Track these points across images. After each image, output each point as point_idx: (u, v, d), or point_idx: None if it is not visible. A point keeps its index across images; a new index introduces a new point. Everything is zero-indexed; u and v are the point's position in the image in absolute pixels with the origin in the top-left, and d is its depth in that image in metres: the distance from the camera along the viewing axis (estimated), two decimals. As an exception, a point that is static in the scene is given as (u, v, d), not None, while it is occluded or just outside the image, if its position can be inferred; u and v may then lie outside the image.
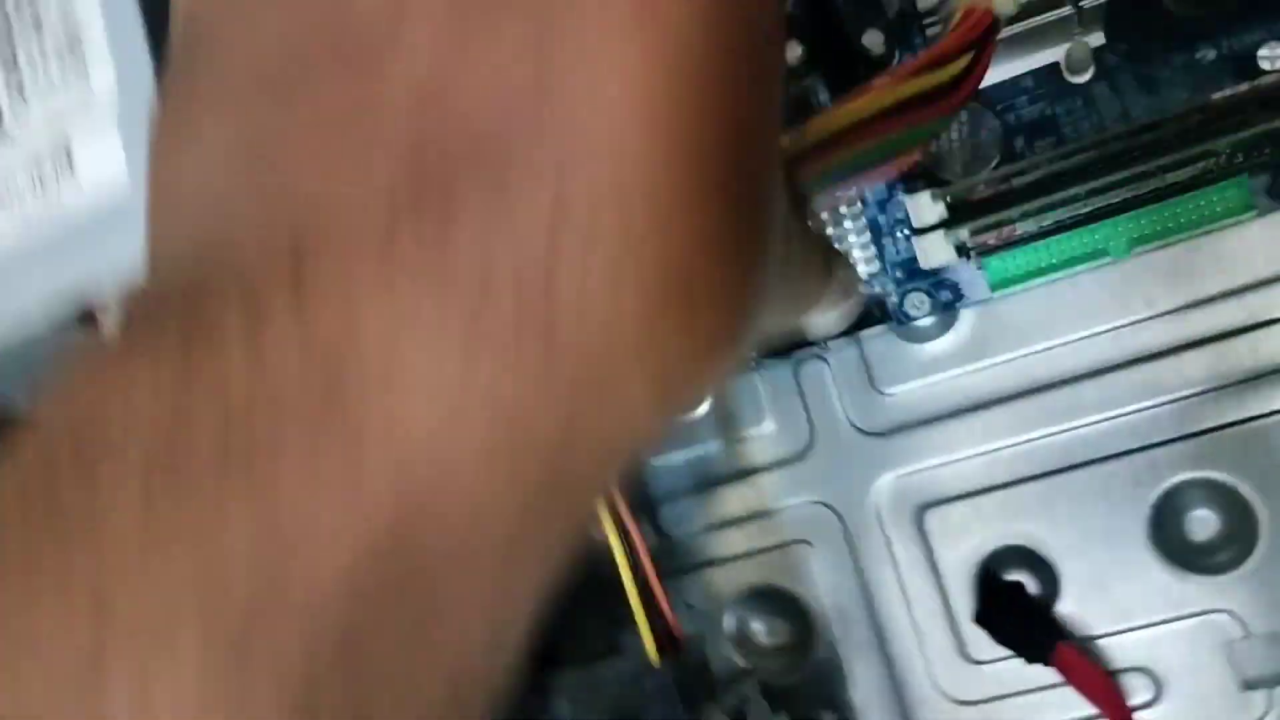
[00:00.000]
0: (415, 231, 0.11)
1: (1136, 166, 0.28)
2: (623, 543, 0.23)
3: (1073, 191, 0.28)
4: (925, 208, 0.30)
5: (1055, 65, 0.31)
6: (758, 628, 0.37)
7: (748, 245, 0.13)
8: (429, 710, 0.12)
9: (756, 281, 0.13)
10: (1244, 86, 0.27)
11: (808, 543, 0.36)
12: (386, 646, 0.11)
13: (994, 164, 0.30)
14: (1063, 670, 0.32)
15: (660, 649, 0.23)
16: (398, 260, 0.11)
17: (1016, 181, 0.29)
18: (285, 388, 0.11)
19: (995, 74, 0.32)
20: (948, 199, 0.29)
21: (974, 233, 0.30)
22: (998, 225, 0.29)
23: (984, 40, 0.26)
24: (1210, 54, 0.30)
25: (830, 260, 0.22)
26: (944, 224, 0.30)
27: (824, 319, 0.23)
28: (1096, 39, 0.31)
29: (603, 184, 0.11)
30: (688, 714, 0.23)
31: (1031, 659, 0.33)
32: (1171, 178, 0.29)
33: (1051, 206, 0.29)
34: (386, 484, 0.11)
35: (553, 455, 0.12)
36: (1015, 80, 0.32)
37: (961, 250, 0.31)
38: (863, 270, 0.33)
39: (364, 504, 0.11)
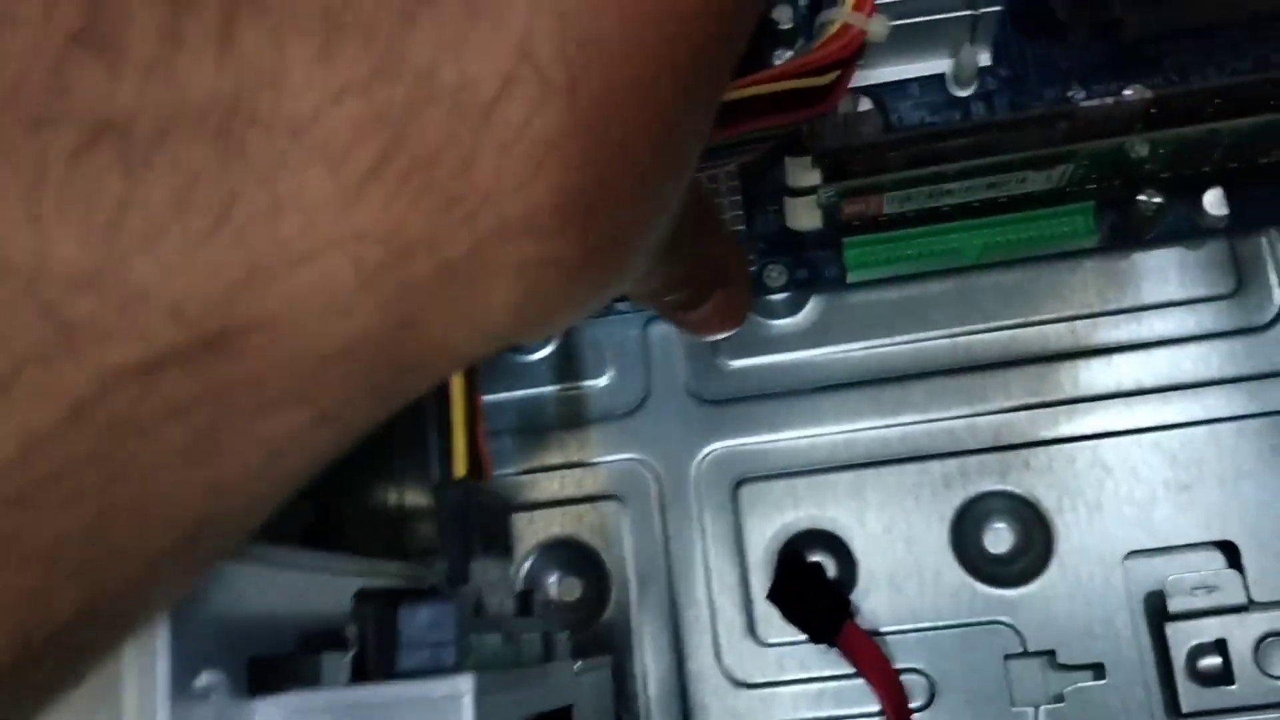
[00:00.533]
0: (372, 18, 0.10)
1: (1001, 156, 0.29)
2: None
3: (941, 169, 0.30)
4: (802, 171, 0.31)
5: (941, 76, 0.34)
6: (552, 580, 0.35)
7: (654, 186, 0.12)
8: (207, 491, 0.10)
9: (648, 227, 0.13)
10: (1109, 100, 0.29)
11: (619, 500, 0.35)
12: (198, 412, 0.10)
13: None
14: (847, 650, 0.32)
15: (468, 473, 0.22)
16: (347, 28, 0.10)
17: (891, 155, 0.30)
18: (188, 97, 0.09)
19: (885, 74, 0.34)
20: (826, 161, 0.31)
21: (843, 194, 0.31)
22: (867, 190, 0.31)
23: (850, 60, 0.28)
24: (1080, 94, 0.33)
25: (728, 268, 0.22)
26: (817, 188, 0.31)
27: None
28: (985, 59, 0.33)
29: (563, 57, 0.10)
30: (461, 537, 0.22)
31: (817, 639, 0.32)
32: (1030, 182, 0.31)
33: (919, 182, 0.30)
34: (250, 245, 0.10)
35: (414, 302, 0.11)
36: (902, 84, 0.34)
37: (829, 217, 0.32)
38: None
39: (216, 253, 0.09)
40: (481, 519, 0.22)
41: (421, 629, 0.21)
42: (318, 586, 0.23)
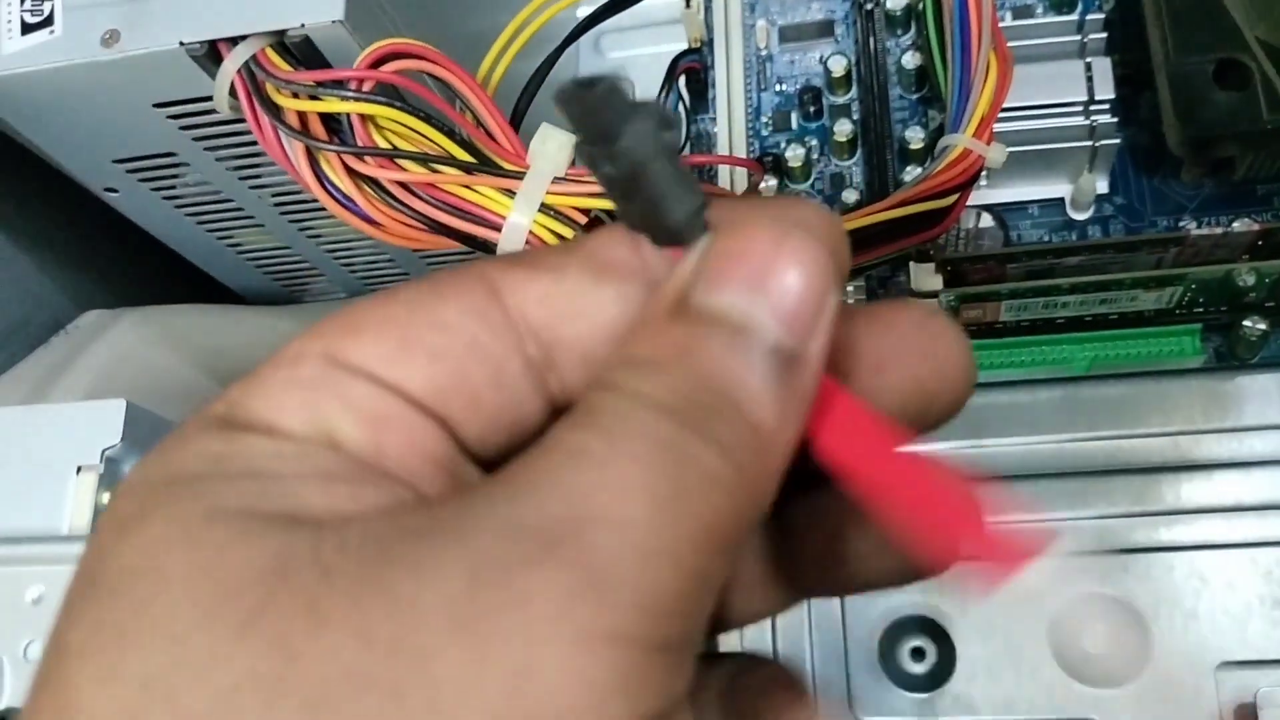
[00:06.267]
0: None
1: (1113, 274, 0.32)
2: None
3: (1056, 283, 0.32)
4: (926, 275, 0.34)
5: (1061, 200, 0.36)
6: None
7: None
8: None
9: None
10: (1218, 230, 0.31)
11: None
12: None
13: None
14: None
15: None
16: None
17: (1010, 268, 0.33)
18: None
19: (1007, 194, 0.37)
20: (948, 269, 0.33)
21: (963, 299, 0.33)
22: (985, 298, 0.33)
23: (969, 185, 0.31)
24: (1192, 227, 0.35)
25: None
26: (939, 292, 0.34)
27: None
28: (1102, 185, 0.36)
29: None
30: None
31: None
32: (1141, 301, 0.33)
33: (1035, 294, 0.33)
34: None
35: None
36: (1023, 204, 0.37)
37: (947, 320, 0.34)
38: (852, 330, 0.36)
39: None
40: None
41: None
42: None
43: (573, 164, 0.26)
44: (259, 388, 0.14)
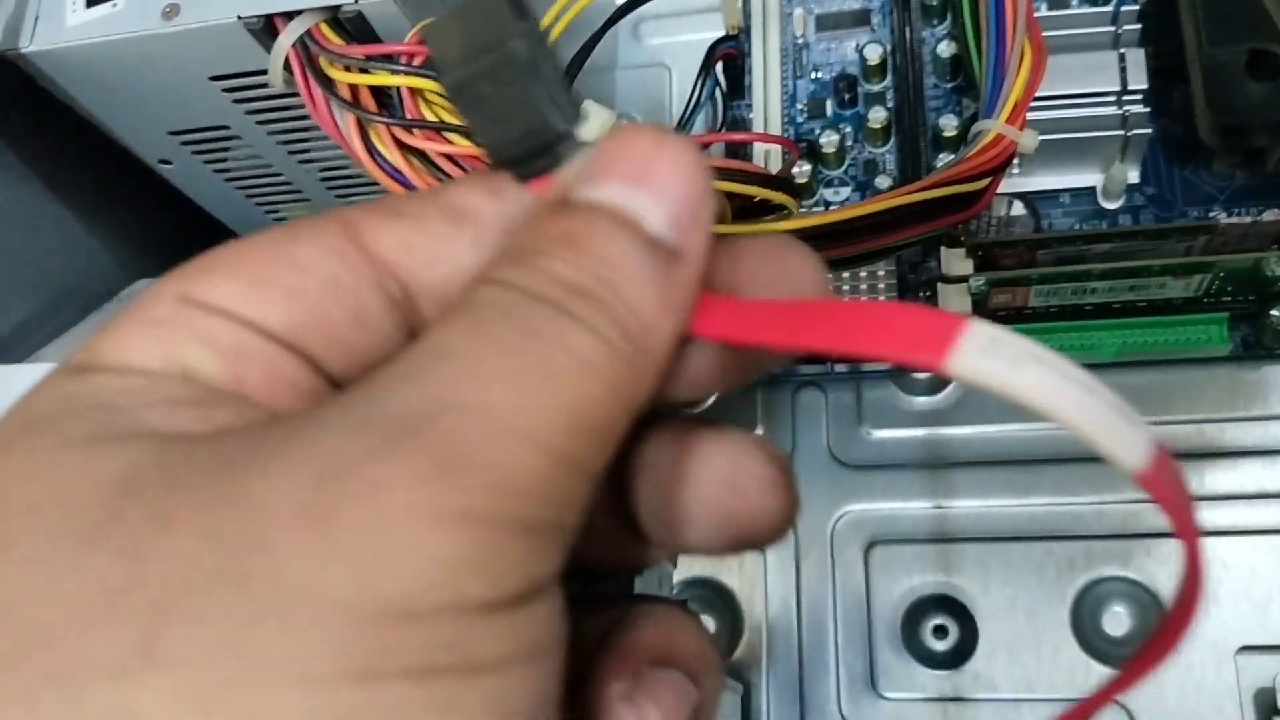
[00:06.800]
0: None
1: (1142, 260, 0.32)
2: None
3: (1086, 268, 0.33)
4: (957, 261, 0.35)
5: (1092, 189, 0.37)
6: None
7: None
8: None
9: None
10: (1247, 219, 0.32)
11: (759, 549, 0.38)
12: None
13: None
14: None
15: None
16: None
17: (1040, 254, 0.33)
18: None
19: (1039, 182, 0.37)
20: (979, 254, 0.34)
21: (993, 284, 0.34)
22: (1015, 283, 0.34)
23: (1000, 170, 0.31)
24: (1222, 216, 0.35)
25: None
26: (968, 277, 0.34)
27: None
28: (1133, 175, 0.36)
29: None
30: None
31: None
32: (1169, 289, 0.33)
33: (1064, 279, 0.33)
34: None
35: None
36: (1055, 193, 0.37)
37: (978, 305, 0.35)
38: (883, 313, 0.37)
39: None
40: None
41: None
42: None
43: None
44: (113, 332, 0.14)
